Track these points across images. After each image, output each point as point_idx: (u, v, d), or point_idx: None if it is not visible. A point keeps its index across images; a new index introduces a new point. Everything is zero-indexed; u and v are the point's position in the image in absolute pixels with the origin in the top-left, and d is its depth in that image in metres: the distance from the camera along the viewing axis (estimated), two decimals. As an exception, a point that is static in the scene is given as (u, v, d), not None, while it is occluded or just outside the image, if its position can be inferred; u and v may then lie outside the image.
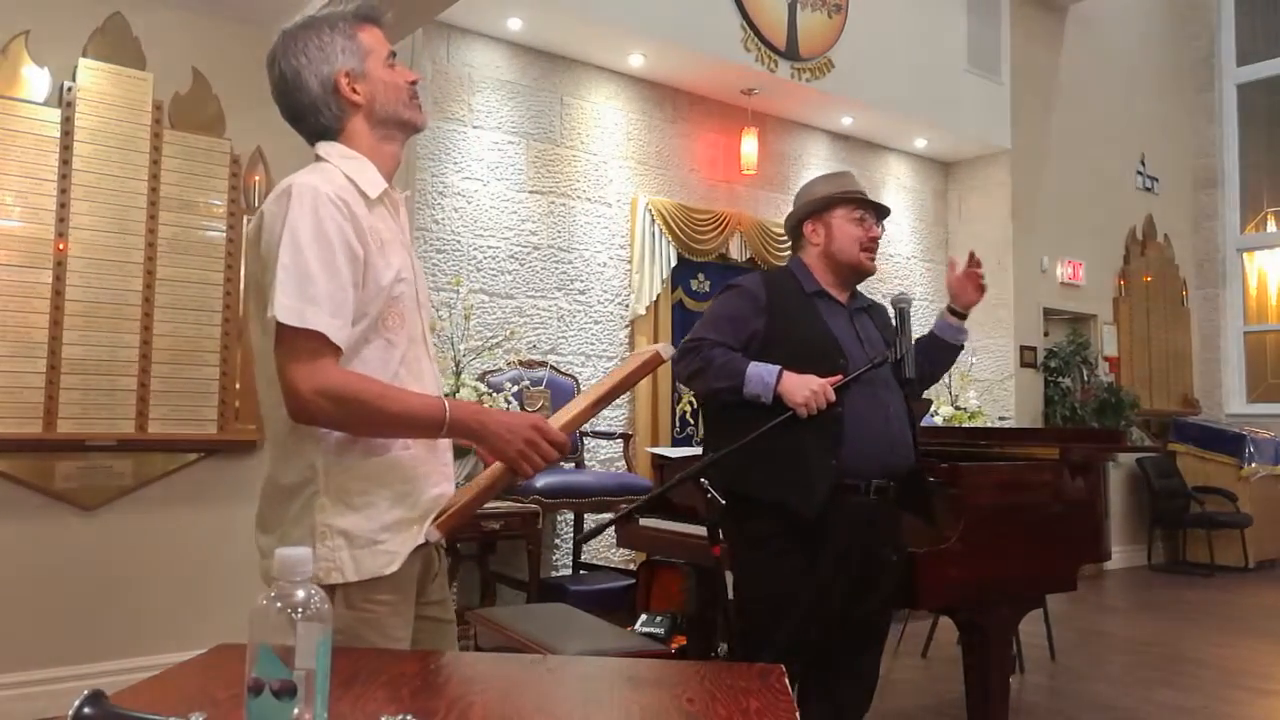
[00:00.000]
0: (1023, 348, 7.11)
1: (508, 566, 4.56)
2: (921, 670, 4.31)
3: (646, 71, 5.53)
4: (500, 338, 4.76)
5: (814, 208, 2.43)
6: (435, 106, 4.75)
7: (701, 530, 2.54)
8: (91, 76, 3.42)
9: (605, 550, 5.17)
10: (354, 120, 1.47)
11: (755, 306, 2.32)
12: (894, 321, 2.42)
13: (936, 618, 4.47)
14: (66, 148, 3.35)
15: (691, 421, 5.62)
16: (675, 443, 5.46)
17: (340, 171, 1.42)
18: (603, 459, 5.27)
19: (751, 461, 2.20)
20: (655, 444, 5.24)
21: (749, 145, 5.90)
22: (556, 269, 5.21)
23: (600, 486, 4.55)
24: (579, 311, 5.28)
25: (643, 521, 3.38)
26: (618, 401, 5.05)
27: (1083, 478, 2.83)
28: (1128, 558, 7.63)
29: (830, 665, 2.33)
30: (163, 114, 3.57)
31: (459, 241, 4.85)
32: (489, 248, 4.96)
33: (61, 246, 3.33)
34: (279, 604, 0.82)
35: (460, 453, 1.63)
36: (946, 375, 2.81)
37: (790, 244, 2.56)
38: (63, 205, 3.34)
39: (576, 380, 5.04)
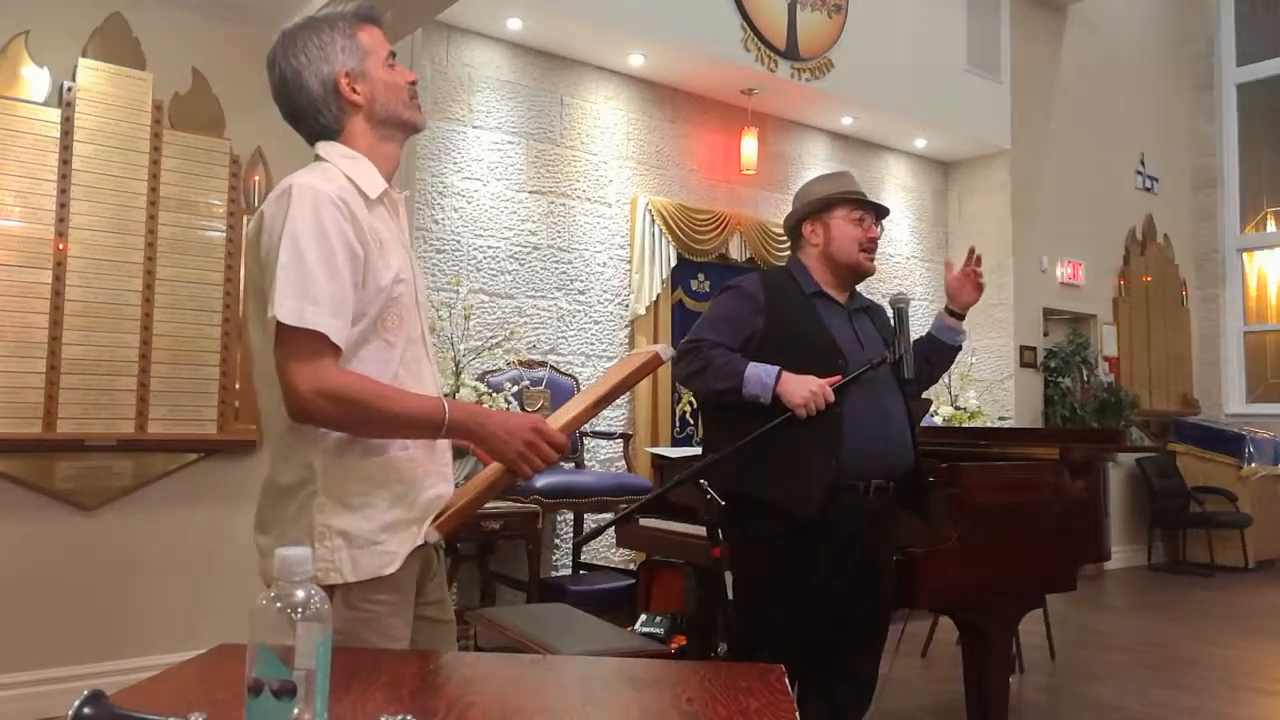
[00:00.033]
0: (1023, 348, 7.11)
1: (508, 566, 4.56)
2: (921, 670, 4.31)
3: (646, 71, 5.53)
4: (500, 338, 4.76)
5: (813, 208, 2.43)
6: (435, 106, 4.75)
7: (701, 530, 2.54)
8: (91, 76, 3.42)
9: (605, 550, 5.17)
10: (354, 120, 1.47)
11: (754, 307, 2.33)
12: (892, 321, 2.43)
13: (936, 618, 4.47)
14: (66, 148, 3.35)
15: (691, 421, 5.62)
16: (675, 443, 5.46)
17: (340, 171, 1.42)
18: (603, 459, 5.27)
19: (751, 462, 2.20)
20: (655, 444, 5.24)
21: (749, 145, 5.90)
22: (556, 269, 5.21)
23: (600, 486, 4.55)
24: (579, 311, 5.28)
25: (642, 522, 3.38)
26: (617, 401, 5.04)
27: (1083, 478, 2.83)
28: (1128, 558, 7.63)
29: (830, 665, 2.33)
30: (163, 114, 3.57)
31: (459, 241, 4.85)
32: (489, 248, 4.96)
33: (61, 246, 3.33)
34: (279, 604, 0.82)
35: (459, 453, 1.63)
36: (946, 375, 2.82)
37: (789, 244, 2.56)
38: (63, 205, 3.34)
39: (576, 380, 5.04)
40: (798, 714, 1.04)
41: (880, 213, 2.46)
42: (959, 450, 3.06)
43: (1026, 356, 7.13)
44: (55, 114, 3.35)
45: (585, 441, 5.13)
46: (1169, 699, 3.91)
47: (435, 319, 4.33)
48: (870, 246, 2.40)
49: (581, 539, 4.92)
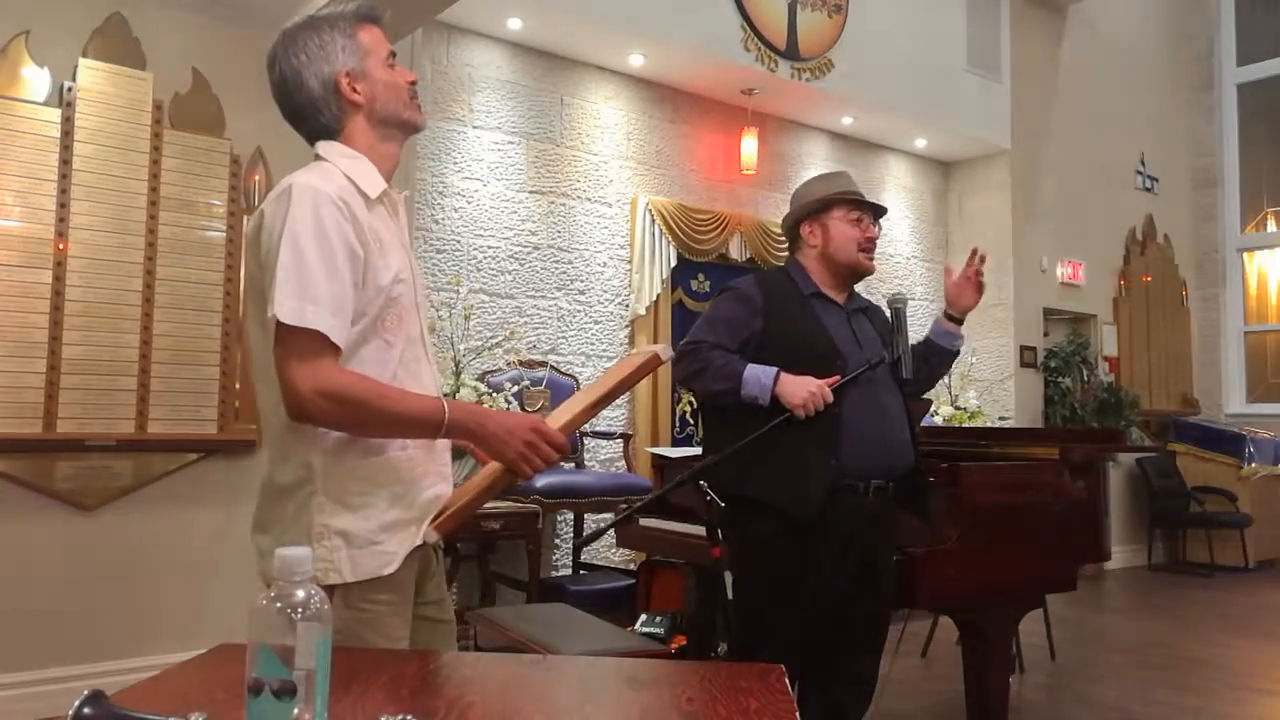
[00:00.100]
0: (1023, 348, 7.11)
1: (508, 566, 4.56)
2: (921, 670, 4.31)
3: (646, 71, 5.53)
4: (500, 338, 4.76)
5: (810, 209, 2.43)
6: (435, 106, 4.75)
7: (701, 530, 2.54)
8: (91, 76, 3.42)
9: (605, 550, 5.17)
10: (354, 120, 1.47)
11: (752, 308, 2.33)
12: (890, 322, 2.43)
13: (936, 618, 4.47)
14: (66, 148, 3.35)
15: (691, 421, 5.62)
16: (675, 443, 5.46)
17: (340, 171, 1.42)
18: (603, 459, 5.27)
19: (750, 463, 2.20)
20: (655, 444, 5.24)
21: (749, 145, 5.90)
22: (556, 269, 5.21)
23: (600, 486, 4.55)
24: (579, 311, 5.28)
25: (643, 522, 3.38)
26: (617, 401, 5.04)
27: (1082, 478, 2.83)
28: (1128, 558, 7.63)
29: (830, 665, 2.33)
30: (163, 114, 3.57)
31: (459, 241, 4.85)
32: (489, 248, 4.96)
33: (61, 246, 3.33)
34: (279, 604, 0.82)
35: (459, 454, 1.63)
36: (946, 375, 2.81)
37: (787, 245, 2.56)
38: (63, 205, 3.34)
39: (576, 380, 5.04)
40: (798, 714, 1.04)
41: (878, 212, 2.47)
42: (959, 450, 3.06)
43: (1026, 356, 7.13)
44: (55, 114, 3.35)
45: (585, 441, 5.13)
46: (1169, 699, 3.91)
47: (435, 319, 4.33)
48: (869, 246, 2.41)
49: (582, 540, 4.92)
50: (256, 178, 3.75)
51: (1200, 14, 9.08)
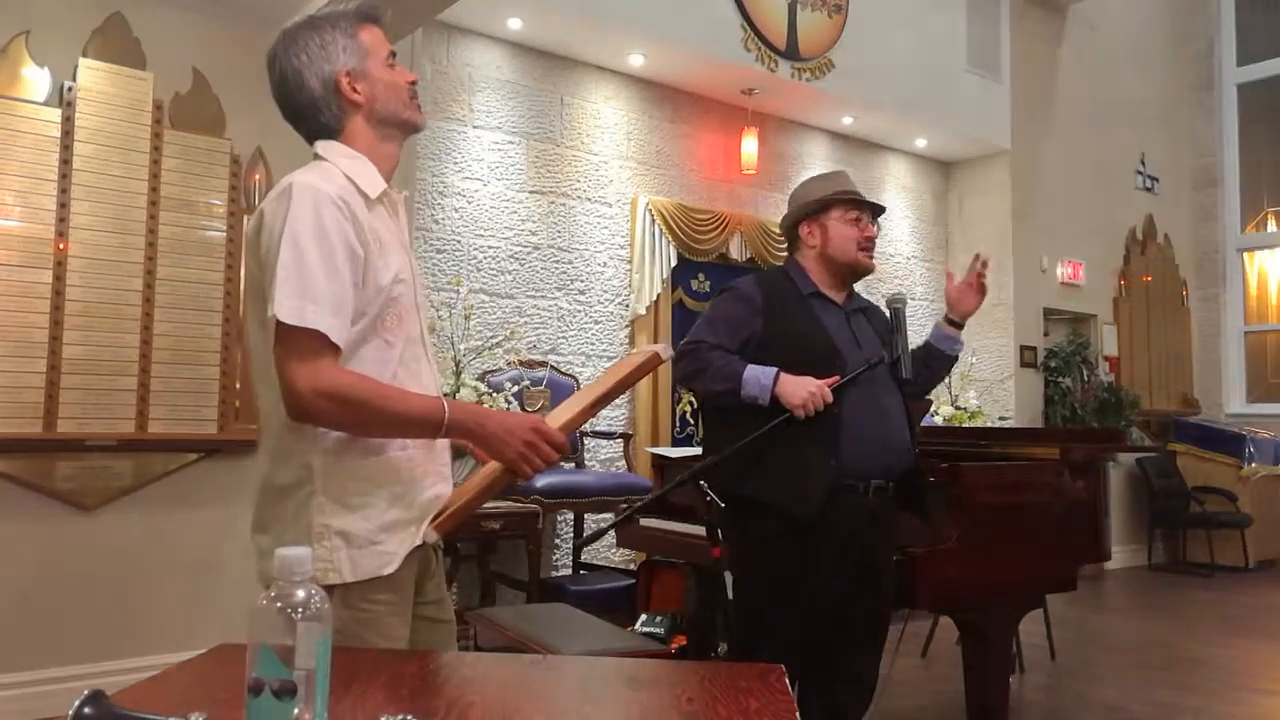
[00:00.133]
0: (1023, 348, 7.11)
1: (508, 566, 4.56)
2: (921, 670, 4.31)
3: (646, 71, 5.53)
4: (500, 338, 4.76)
5: (808, 210, 2.43)
6: (435, 106, 4.75)
7: (701, 530, 2.54)
8: (91, 76, 3.42)
9: (605, 550, 5.17)
10: (354, 120, 1.47)
11: (752, 309, 2.33)
12: (889, 321, 2.43)
13: (936, 618, 4.47)
14: (67, 148, 3.35)
15: (691, 421, 5.62)
16: (675, 442, 5.46)
17: (340, 171, 1.42)
18: (603, 459, 5.27)
19: (750, 463, 2.20)
20: (655, 444, 5.24)
21: (749, 145, 5.90)
22: (556, 269, 5.21)
23: (600, 486, 4.55)
24: (579, 311, 5.28)
25: (643, 522, 3.38)
26: (617, 401, 5.05)
27: (1083, 478, 2.83)
28: (1128, 558, 7.63)
29: (830, 665, 2.33)
30: (163, 114, 3.57)
31: (459, 241, 4.85)
32: (489, 248, 4.96)
33: (61, 246, 3.33)
34: (279, 604, 0.82)
35: (459, 453, 1.63)
36: (946, 376, 2.81)
37: (786, 246, 2.56)
38: (63, 205, 3.34)
39: (576, 380, 5.04)
40: (798, 714, 1.04)
41: (876, 211, 2.47)
42: (959, 450, 3.06)
43: (1026, 356, 7.13)
44: (56, 114, 3.35)
45: (585, 441, 5.13)
46: (1169, 699, 3.91)
47: (435, 319, 4.33)
48: (868, 245, 2.41)
49: (582, 541, 4.91)
50: (256, 178, 3.75)
51: (1200, 14, 9.08)
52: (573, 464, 4.92)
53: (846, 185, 2.46)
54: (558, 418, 1.46)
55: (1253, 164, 8.90)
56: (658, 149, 5.70)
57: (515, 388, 4.42)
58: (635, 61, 5.38)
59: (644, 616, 3.59)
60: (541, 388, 4.58)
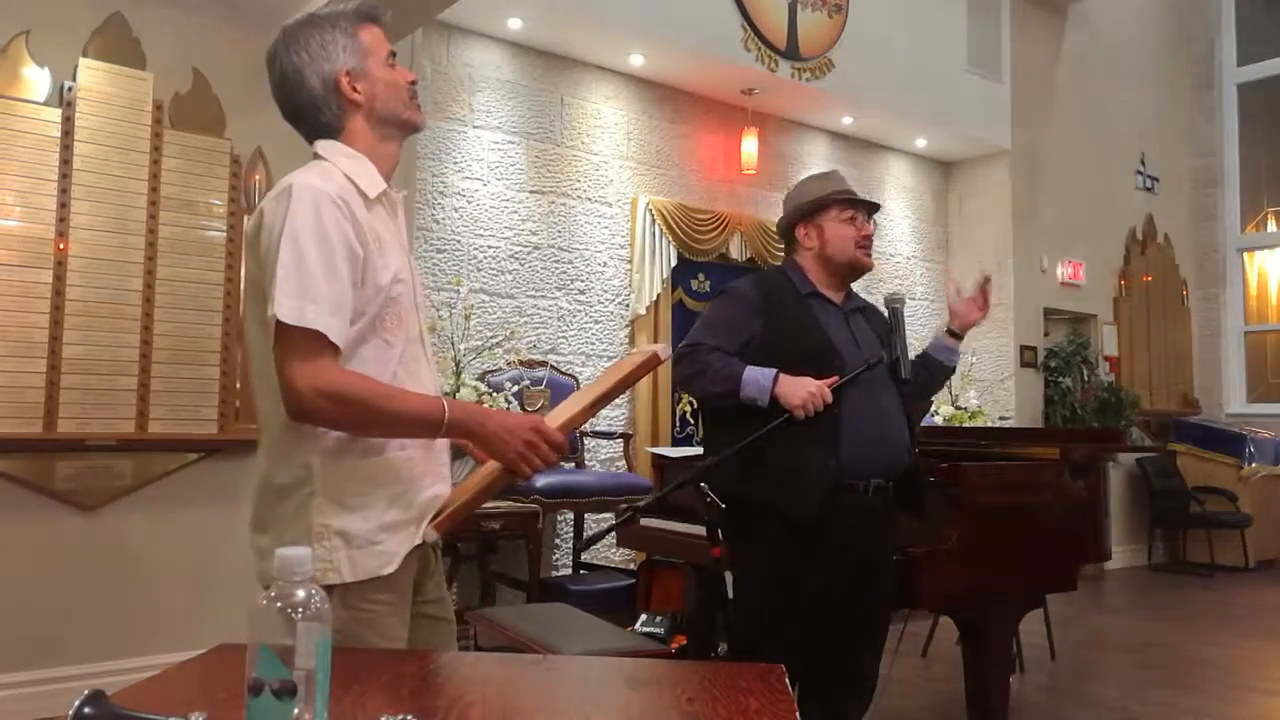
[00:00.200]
0: (1023, 348, 7.11)
1: (508, 566, 4.56)
2: (921, 670, 4.31)
3: (646, 71, 5.53)
4: (500, 338, 4.76)
5: (804, 212, 2.43)
6: (435, 106, 4.75)
7: (701, 530, 2.54)
8: (91, 76, 3.42)
9: (605, 550, 5.17)
10: (354, 119, 1.47)
11: (751, 310, 2.33)
12: (888, 321, 2.43)
13: (936, 618, 4.47)
14: (67, 148, 3.35)
15: (692, 421, 5.62)
16: (675, 442, 5.46)
17: (340, 171, 1.42)
18: (603, 459, 5.27)
19: (750, 464, 2.20)
20: (655, 444, 5.24)
21: (749, 145, 5.90)
22: (556, 269, 5.21)
23: (600, 486, 4.55)
24: (579, 311, 5.28)
25: (643, 521, 3.38)
26: (617, 401, 5.05)
27: (1083, 478, 2.83)
28: (1128, 558, 7.63)
29: (830, 665, 2.33)
30: (163, 114, 3.57)
31: (459, 241, 4.85)
32: (489, 248, 4.96)
33: (61, 246, 3.33)
34: (279, 604, 0.82)
35: (459, 453, 1.63)
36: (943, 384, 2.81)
37: (784, 247, 2.56)
38: (63, 205, 3.34)
39: (577, 380, 5.04)
40: (798, 714, 1.04)
41: (871, 209, 2.46)
42: (959, 450, 3.06)
43: (1027, 356, 7.13)
44: (56, 114, 3.34)
45: (585, 441, 5.13)
46: (1169, 699, 3.91)
47: (435, 319, 4.33)
48: (866, 243, 2.40)
49: (583, 545, 4.91)
50: (256, 178, 3.75)
51: (1200, 14, 9.08)
52: (573, 464, 4.92)
53: (841, 184, 2.45)
54: (557, 418, 1.46)
55: (1253, 164, 8.90)
56: (658, 149, 5.70)
57: (515, 388, 4.42)
58: (635, 61, 5.38)
59: (644, 616, 3.59)
60: (541, 388, 4.58)
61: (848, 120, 6.44)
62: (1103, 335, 7.80)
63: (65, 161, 3.35)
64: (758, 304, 2.33)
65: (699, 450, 2.88)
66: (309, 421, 1.33)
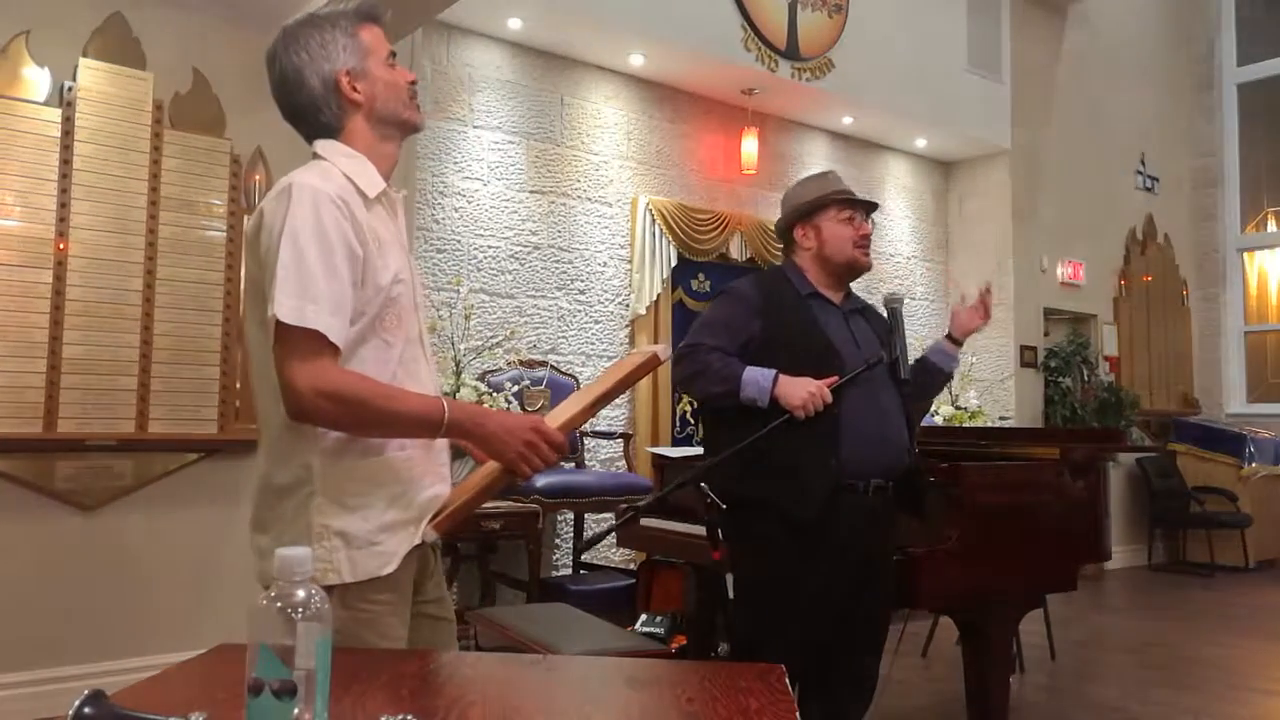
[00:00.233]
0: (1023, 348, 7.11)
1: (508, 566, 4.56)
2: (921, 670, 4.31)
3: (646, 71, 5.53)
4: (500, 337, 4.76)
5: (802, 213, 2.43)
6: (435, 106, 4.75)
7: (702, 530, 2.54)
8: (91, 76, 3.42)
9: (605, 550, 5.17)
10: (354, 119, 1.47)
11: (750, 310, 2.33)
12: (887, 321, 2.43)
13: (936, 618, 4.47)
14: (67, 147, 3.35)
15: (692, 421, 5.62)
16: (675, 442, 5.46)
17: (339, 170, 1.42)
18: (603, 459, 5.27)
19: (750, 464, 2.20)
20: (655, 443, 5.24)
21: (749, 145, 5.90)
22: (556, 269, 5.21)
23: (600, 486, 4.55)
24: (579, 311, 5.28)
25: (643, 521, 3.38)
26: (618, 401, 5.05)
27: (1083, 478, 2.83)
28: (1128, 558, 7.63)
29: (831, 665, 2.33)
30: (163, 114, 3.57)
31: (459, 241, 4.85)
32: (489, 248, 4.96)
33: (61, 246, 3.33)
34: (279, 604, 0.82)
35: (459, 453, 1.63)
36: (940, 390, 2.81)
37: (782, 248, 2.56)
38: (63, 205, 3.34)
39: (577, 380, 5.04)
40: (798, 714, 1.04)
41: (869, 208, 2.46)
42: (959, 450, 3.06)
43: (1027, 356, 7.13)
44: (56, 114, 3.34)
45: (585, 441, 5.13)
46: (1169, 699, 3.91)
47: (435, 319, 4.33)
48: (864, 243, 2.40)
49: (583, 545, 4.91)
50: (256, 178, 3.75)
51: (1200, 14, 9.08)
52: (573, 464, 4.92)
53: (838, 185, 2.45)
54: (556, 418, 1.46)
55: (1253, 164, 8.90)
56: (658, 149, 5.70)
57: (515, 387, 4.42)
58: (635, 61, 5.38)
59: (644, 616, 3.59)
60: (541, 388, 4.58)
61: (848, 120, 6.44)
62: (1103, 335, 7.80)
63: (65, 161, 3.35)
64: (757, 304, 2.33)
65: (699, 450, 2.88)
66: (309, 421, 1.33)
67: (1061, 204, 7.48)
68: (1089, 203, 7.71)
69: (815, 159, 6.48)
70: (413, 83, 1.52)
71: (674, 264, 5.58)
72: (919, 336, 6.61)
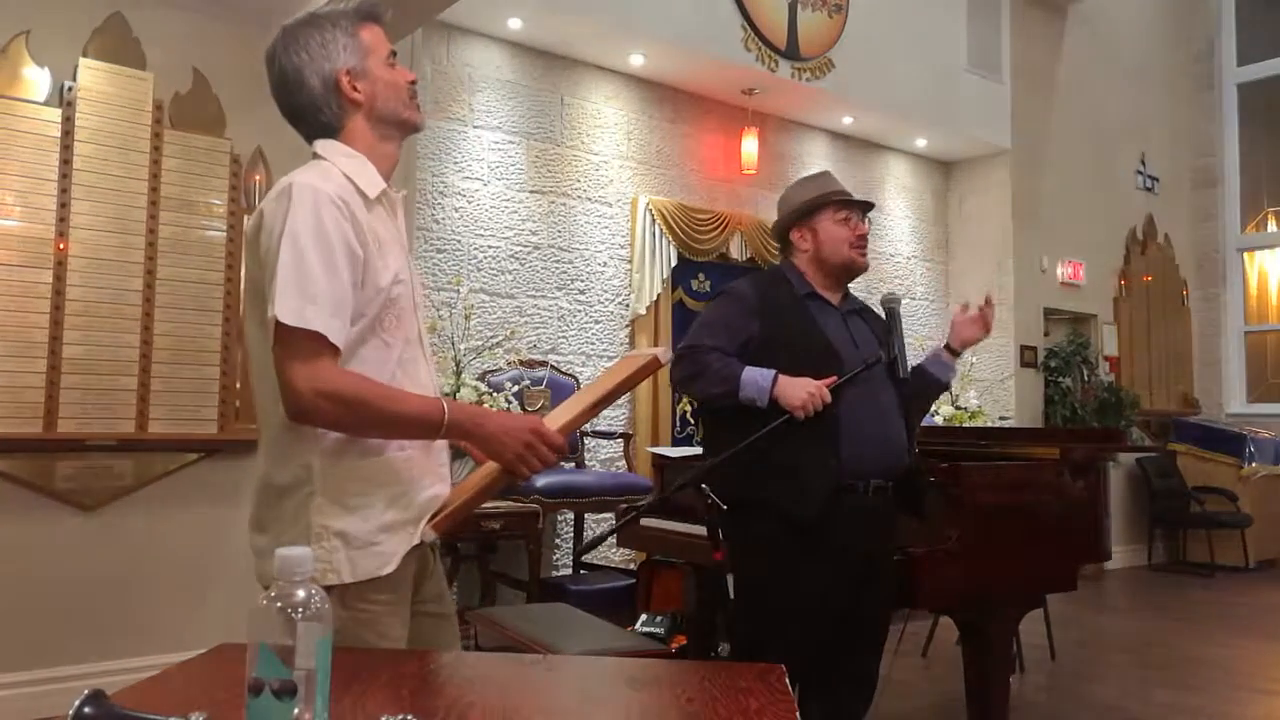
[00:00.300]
0: (1023, 348, 7.11)
1: (508, 566, 4.55)
2: (921, 670, 4.31)
3: (646, 71, 5.52)
4: (500, 337, 4.76)
5: (798, 215, 2.43)
6: (435, 106, 4.75)
7: (702, 530, 2.54)
8: (91, 76, 3.42)
9: (605, 550, 5.16)
10: (354, 119, 1.47)
11: (748, 310, 2.33)
12: (885, 321, 2.43)
13: (936, 618, 4.47)
14: (67, 147, 3.35)
15: (692, 421, 5.62)
16: (675, 442, 5.46)
17: (339, 171, 1.42)
18: (603, 459, 5.27)
19: (750, 465, 2.20)
20: (655, 444, 5.24)
21: (749, 145, 5.90)
22: (557, 269, 5.21)
23: (600, 486, 4.55)
24: (579, 311, 5.28)
25: (643, 521, 3.38)
26: (618, 401, 5.04)
27: (1083, 478, 2.83)
28: (1128, 558, 7.63)
29: (831, 665, 2.33)
30: (163, 114, 3.57)
31: (459, 241, 4.85)
32: (489, 248, 4.96)
33: (61, 246, 3.33)
34: (279, 604, 0.82)
35: (458, 454, 1.63)
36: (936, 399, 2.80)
37: (780, 249, 2.56)
38: (63, 205, 3.34)
39: (577, 380, 5.04)
40: (798, 714, 1.04)
41: (865, 208, 2.46)
42: (959, 450, 3.06)
43: (1027, 356, 7.13)
44: (56, 114, 3.35)
45: (585, 441, 5.13)
46: (1169, 699, 3.91)
47: (435, 319, 4.33)
48: (860, 244, 2.40)
49: (583, 548, 4.91)
50: (256, 178, 3.75)
51: (1200, 14, 9.08)
52: (573, 464, 4.92)
53: (833, 186, 2.45)
54: (556, 419, 1.46)
55: (1253, 164, 8.90)
56: (658, 149, 5.70)
57: (515, 388, 4.42)
58: (635, 61, 5.37)
59: (644, 616, 3.59)
60: (541, 388, 4.58)
61: (848, 120, 6.43)
62: (1103, 335, 7.80)
63: (65, 161, 3.35)
64: (755, 304, 2.33)
65: (699, 450, 2.88)
66: (308, 422, 1.33)
67: (1061, 204, 7.48)
68: (1089, 203, 7.71)
69: (815, 159, 6.48)
70: (413, 82, 1.52)
71: (674, 264, 5.58)
72: (919, 336, 6.61)
